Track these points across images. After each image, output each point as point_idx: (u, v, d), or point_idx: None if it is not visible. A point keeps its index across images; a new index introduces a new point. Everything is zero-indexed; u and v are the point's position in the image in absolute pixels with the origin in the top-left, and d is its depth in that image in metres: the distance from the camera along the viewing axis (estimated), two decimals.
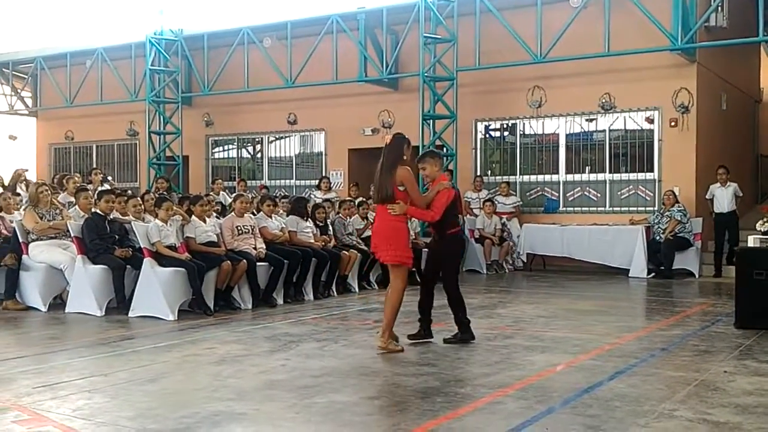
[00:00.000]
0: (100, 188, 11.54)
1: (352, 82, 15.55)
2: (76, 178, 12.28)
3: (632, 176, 13.90)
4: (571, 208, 14.39)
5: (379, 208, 6.58)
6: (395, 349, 6.43)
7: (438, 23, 14.00)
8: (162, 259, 8.43)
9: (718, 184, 12.87)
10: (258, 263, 9.12)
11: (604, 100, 13.87)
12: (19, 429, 4.28)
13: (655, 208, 13.35)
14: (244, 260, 8.88)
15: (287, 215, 10.60)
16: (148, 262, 8.37)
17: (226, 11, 22.71)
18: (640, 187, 13.82)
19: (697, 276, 12.58)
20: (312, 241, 10.21)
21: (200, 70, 17.05)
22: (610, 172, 14.09)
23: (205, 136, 18.46)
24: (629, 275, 12.66)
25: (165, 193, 13.30)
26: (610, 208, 14.01)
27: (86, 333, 7.55)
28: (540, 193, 14.76)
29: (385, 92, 15.84)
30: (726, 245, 12.69)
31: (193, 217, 9.15)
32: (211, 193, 14.01)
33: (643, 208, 13.66)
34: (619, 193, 14.00)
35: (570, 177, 14.47)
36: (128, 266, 8.60)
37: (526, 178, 14.90)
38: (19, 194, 10.94)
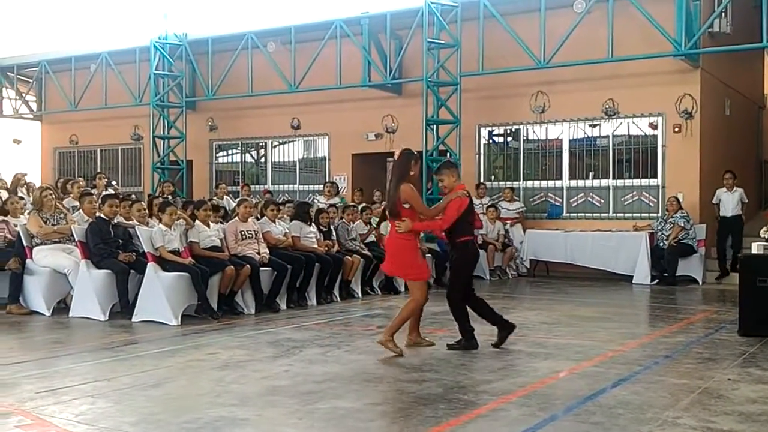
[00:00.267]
0: (104, 193, 11.56)
1: (355, 87, 15.56)
2: (81, 183, 12.31)
3: (636, 182, 13.88)
4: (575, 214, 14.37)
5: (390, 222, 6.75)
6: (393, 349, 6.46)
7: (441, 28, 14.02)
8: (165, 264, 8.44)
9: (725, 189, 12.91)
10: (261, 268, 9.13)
11: (607, 106, 13.87)
12: None
13: (659, 215, 13.33)
14: (248, 265, 8.89)
15: (290, 220, 10.61)
16: (151, 267, 8.38)
17: (230, 16, 22.77)
18: (644, 193, 13.80)
19: (700, 283, 12.56)
20: (315, 246, 10.21)
21: (204, 74, 17.08)
22: (613, 178, 14.08)
23: (209, 141, 18.49)
24: (633, 282, 12.64)
25: (169, 197, 13.31)
26: (614, 214, 13.99)
27: (90, 337, 7.55)
28: (543, 198, 14.75)
29: (388, 97, 15.85)
30: (730, 251, 12.74)
31: (197, 221, 9.17)
32: (215, 198, 14.03)
33: (646, 215, 13.64)
34: (622, 199, 13.99)
35: (573, 183, 14.46)
36: (132, 271, 8.61)
37: (529, 183, 14.89)
38: (23, 198, 10.96)
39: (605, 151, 14.21)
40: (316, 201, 14.29)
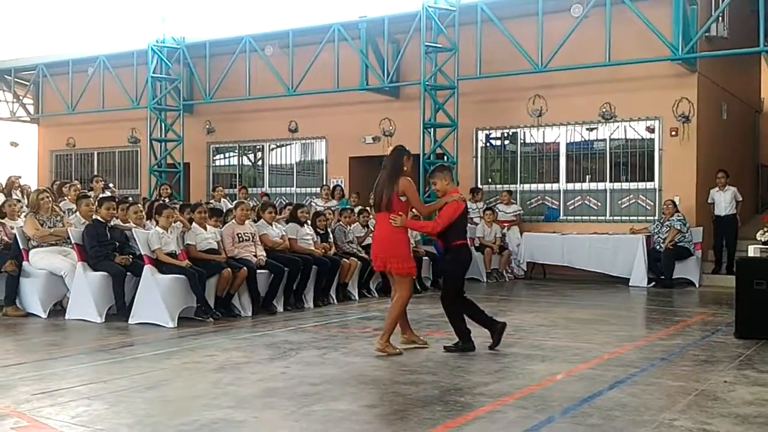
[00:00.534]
0: (101, 195, 11.55)
1: (353, 91, 15.59)
2: (77, 186, 12.30)
3: (633, 185, 13.91)
4: (572, 217, 14.39)
5: (378, 217, 6.70)
6: (393, 351, 6.50)
7: (439, 32, 14.04)
8: (162, 266, 8.43)
9: (717, 188, 12.98)
10: (258, 270, 9.12)
11: (604, 110, 13.90)
12: None
13: (656, 218, 13.36)
14: (245, 267, 8.89)
15: (286, 222, 10.61)
16: (148, 269, 8.37)
17: (228, 19, 22.81)
18: (641, 196, 13.83)
19: (697, 285, 12.58)
20: (312, 247, 10.21)
21: (202, 77, 17.09)
22: (610, 181, 14.11)
23: (207, 144, 18.50)
24: (629, 284, 12.65)
25: (167, 200, 13.31)
26: (611, 217, 14.02)
27: (86, 340, 7.54)
28: (540, 201, 14.77)
29: (386, 101, 15.87)
30: (725, 251, 12.91)
31: (194, 224, 9.17)
32: (212, 201, 14.03)
33: (643, 218, 13.67)
34: (619, 202, 14.01)
35: (570, 186, 14.49)
36: (128, 273, 8.60)
37: (526, 186, 14.91)
38: (19, 201, 10.95)
39: (602, 155, 14.23)
40: (313, 204, 14.29)
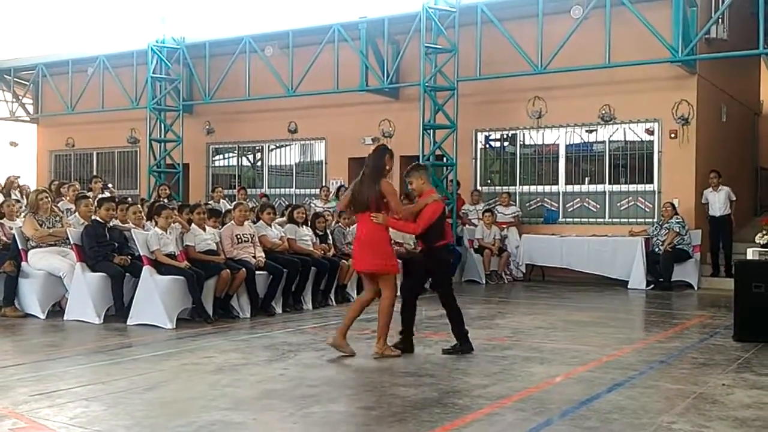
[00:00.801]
0: (100, 196, 11.55)
1: (353, 92, 15.58)
2: (76, 186, 12.29)
3: (632, 188, 13.91)
4: (571, 219, 14.39)
5: (360, 218, 6.64)
6: (392, 354, 6.51)
7: (439, 33, 14.04)
8: (161, 267, 8.42)
9: (711, 188, 13.03)
10: (257, 272, 9.12)
11: (604, 112, 13.90)
12: None
13: (655, 220, 13.36)
14: (243, 269, 8.88)
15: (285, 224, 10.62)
16: (147, 270, 8.37)
17: (228, 20, 22.79)
18: (640, 198, 13.83)
19: (696, 288, 12.58)
20: (311, 249, 10.21)
21: (201, 78, 17.09)
22: (609, 183, 14.11)
23: (206, 144, 18.49)
24: (628, 287, 12.64)
25: (165, 200, 13.31)
26: (610, 220, 14.02)
27: (84, 341, 7.54)
28: (539, 203, 14.77)
29: (385, 102, 15.87)
30: (722, 253, 12.98)
31: (193, 225, 9.16)
32: (211, 202, 14.02)
33: (642, 220, 13.67)
34: (618, 204, 14.01)
35: (570, 188, 14.48)
36: (127, 274, 8.60)
37: (525, 188, 14.91)
38: (18, 201, 10.95)
39: (601, 157, 14.24)
40: (312, 205, 14.29)
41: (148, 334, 7.83)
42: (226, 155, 18.75)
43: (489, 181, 15.47)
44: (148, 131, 17.41)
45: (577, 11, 13.30)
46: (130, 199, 12.49)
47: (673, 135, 13.41)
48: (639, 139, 13.93)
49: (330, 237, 10.93)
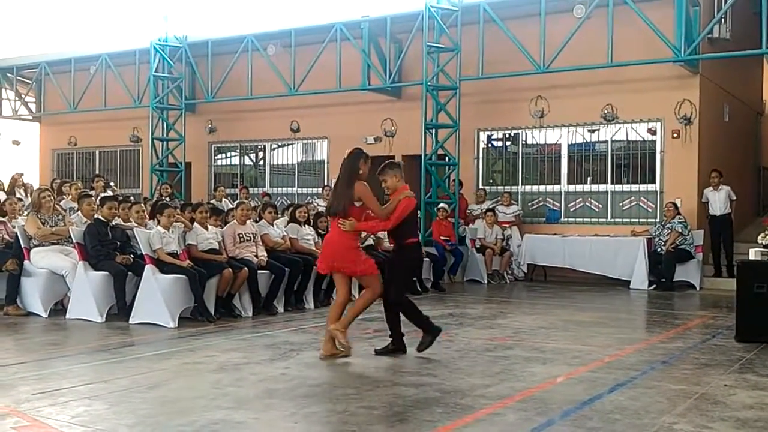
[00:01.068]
0: (102, 194, 11.56)
1: (355, 91, 15.58)
2: (78, 185, 12.31)
3: (634, 187, 13.90)
4: (573, 219, 14.38)
5: (332, 222, 6.62)
6: (341, 339, 6.40)
7: (441, 32, 14.04)
8: (163, 266, 8.43)
9: (711, 188, 13.03)
10: (259, 271, 9.13)
11: (606, 111, 13.89)
12: None
13: (657, 220, 13.35)
14: (245, 268, 8.89)
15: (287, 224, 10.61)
16: (149, 269, 8.38)
17: (230, 18, 22.81)
18: (642, 198, 13.82)
19: (698, 288, 12.57)
20: (313, 248, 10.21)
21: (204, 76, 17.10)
22: (611, 183, 14.10)
23: (208, 143, 18.50)
24: (630, 287, 12.64)
25: (167, 199, 13.31)
26: (612, 219, 14.01)
27: (87, 339, 7.55)
28: (542, 203, 14.77)
29: (388, 101, 15.87)
30: (723, 253, 13.01)
31: (195, 224, 9.17)
32: (213, 200, 14.02)
33: (644, 220, 13.66)
34: (620, 204, 14.00)
35: (572, 187, 14.48)
36: (129, 273, 8.60)
37: (527, 188, 14.91)
38: (21, 199, 10.96)
39: (604, 156, 14.23)
40: (314, 204, 14.30)
41: (150, 332, 7.84)
42: (229, 154, 18.76)
43: (491, 181, 15.46)
44: (151, 130, 17.43)
45: (580, 10, 13.27)
46: (132, 198, 12.51)
47: (675, 135, 13.40)
48: (641, 139, 13.92)
49: None
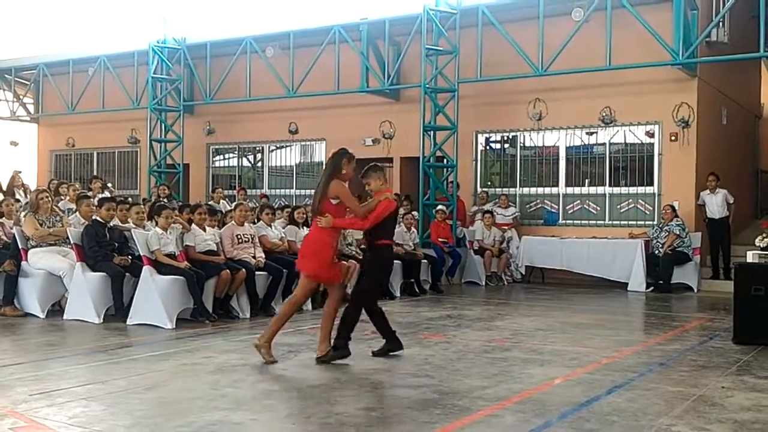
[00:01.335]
0: (100, 196, 11.55)
1: (353, 93, 15.59)
2: (76, 186, 12.29)
3: (632, 190, 13.91)
4: (571, 221, 14.39)
5: (313, 218, 6.59)
6: (266, 355, 6.31)
7: (440, 35, 14.05)
8: (161, 267, 8.42)
9: (708, 191, 13.04)
10: (257, 272, 9.12)
11: (604, 114, 13.91)
12: None
13: (655, 222, 13.36)
14: (243, 269, 8.88)
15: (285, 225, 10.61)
16: (147, 270, 8.37)
17: (229, 20, 22.82)
18: (640, 200, 13.84)
19: (695, 290, 12.58)
20: None
21: (202, 78, 17.10)
22: (609, 185, 14.11)
23: (206, 145, 18.50)
24: (628, 289, 12.64)
25: (165, 200, 13.31)
26: (610, 222, 14.02)
27: (84, 340, 7.54)
28: (540, 205, 14.78)
29: (386, 103, 15.88)
30: (721, 256, 13.03)
31: (193, 225, 9.17)
32: (211, 202, 14.02)
33: (642, 222, 13.67)
34: (618, 206, 14.02)
35: (570, 190, 14.49)
36: (127, 274, 8.60)
37: (525, 190, 14.92)
38: (18, 200, 10.95)
39: (602, 159, 14.25)
40: None
41: (147, 334, 7.83)
42: (227, 156, 18.76)
43: (489, 183, 15.47)
44: (149, 131, 17.42)
45: (578, 14, 13.29)
46: (130, 199, 12.51)
47: (673, 137, 13.42)
48: (639, 142, 13.93)
49: None
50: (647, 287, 12.61)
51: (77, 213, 9.77)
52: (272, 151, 17.93)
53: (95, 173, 18.32)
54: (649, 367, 6.37)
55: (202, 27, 18.78)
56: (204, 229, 9.16)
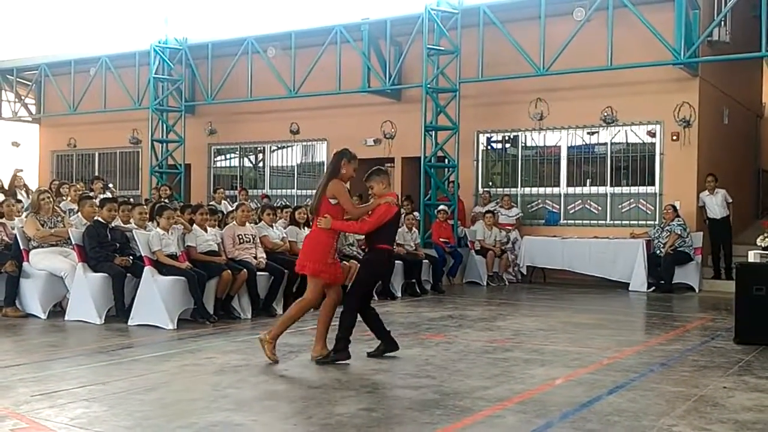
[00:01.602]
0: (101, 196, 11.56)
1: (355, 93, 15.59)
2: (78, 186, 12.29)
3: (633, 190, 13.90)
4: (572, 221, 14.38)
5: (314, 219, 6.58)
6: (269, 353, 6.32)
7: (441, 35, 14.05)
8: (162, 268, 8.43)
9: (707, 192, 13.05)
10: (258, 273, 9.13)
11: (606, 114, 13.90)
12: None
13: (656, 222, 13.35)
14: (244, 270, 8.89)
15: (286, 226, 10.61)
16: (148, 271, 8.37)
17: (230, 21, 22.82)
18: (641, 200, 13.82)
19: (697, 290, 12.57)
20: None
21: (204, 78, 17.11)
22: (611, 185, 14.10)
23: (208, 145, 18.50)
24: (629, 289, 12.64)
25: (166, 200, 13.31)
26: (611, 222, 14.01)
27: (85, 341, 7.55)
28: (541, 205, 14.77)
29: (387, 103, 15.88)
30: (723, 255, 13.04)
31: (195, 225, 9.17)
32: (212, 202, 14.02)
33: (643, 222, 13.66)
34: (620, 206, 14.01)
35: (571, 190, 14.48)
36: (128, 274, 8.60)
37: (527, 190, 14.91)
38: (20, 200, 10.96)
39: (603, 159, 14.24)
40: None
41: (149, 334, 7.84)
42: (228, 156, 18.76)
43: (491, 183, 15.46)
44: (150, 132, 17.43)
45: (579, 13, 13.30)
46: (132, 199, 12.52)
47: (674, 137, 13.40)
48: (641, 141, 13.92)
49: None
50: (649, 287, 12.60)
51: (79, 213, 9.78)
52: (273, 151, 17.94)
53: (97, 174, 18.33)
54: (651, 368, 6.37)
55: (204, 27, 18.79)
56: (205, 230, 9.17)
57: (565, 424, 4.61)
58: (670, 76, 13.21)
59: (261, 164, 18.24)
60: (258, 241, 9.56)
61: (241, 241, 9.32)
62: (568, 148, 14.54)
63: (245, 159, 18.51)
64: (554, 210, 14.59)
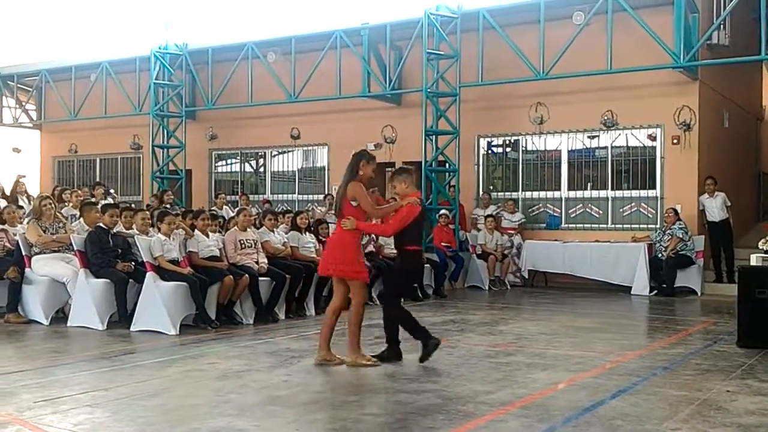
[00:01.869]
0: (103, 202, 11.57)
1: (355, 98, 15.60)
2: (80, 192, 12.30)
3: (634, 193, 13.90)
4: (573, 225, 14.38)
5: (337, 221, 6.62)
6: (367, 363, 6.40)
7: (441, 39, 14.07)
8: (164, 274, 8.43)
9: (707, 195, 13.06)
10: (260, 278, 9.13)
11: (606, 117, 13.91)
12: None
13: (657, 226, 13.36)
14: (246, 275, 8.89)
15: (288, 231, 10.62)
16: (150, 276, 8.38)
17: (230, 26, 22.83)
18: (642, 204, 13.83)
19: (699, 294, 12.56)
20: (314, 255, 10.21)
21: (204, 84, 17.12)
22: (612, 189, 14.11)
23: (209, 150, 18.52)
24: (631, 293, 12.63)
25: (168, 206, 13.31)
26: (612, 225, 14.01)
27: (88, 347, 7.54)
28: (542, 209, 14.77)
29: (388, 108, 15.89)
30: (723, 258, 13.05)
31: (196, 231, 9.18)
32: (214, 208, 14.02)
33: (645, 226, 13.66)
34: (621, 210, 14.01)
35: (572, 194, 14.49)
36: (131, 280, 8.61)
37: (528, 194, 14.92)
38: (22, 207, 10.97)
39: (604, 163, 14.24)
40: (315, 209, 14.32)
41: (151, 340, 7.84)
42: (229, 161, 18.77)
43: (491, 187, 15.46)
44: (151, 137, 17.44)
45: (579, 17, 13.30)
46: (133, 205, 12.50)
47: (675, 141, 13.41)
48: (641, 145, 13.93)
49: None
50: (651, 291, 12.60)
51: (81, 219, 9.78)
52: (274, 156, 17.95)
53: (98, 179, 18.34)
54: (653, 371, 6.37)
55: (204, 33, 18.70)
56: (207, 235, 9.18)
57: (568, 429, 4.61)
58: (670, 79, 13.22)
59: (262, 169, 18.25)
60: (259, 246, 9.56)
61: (243, 246, 9.33)
62: (569, 152, 14.55)
63: (246, 164, 18.52)
64: (555, 214, 14.59)
